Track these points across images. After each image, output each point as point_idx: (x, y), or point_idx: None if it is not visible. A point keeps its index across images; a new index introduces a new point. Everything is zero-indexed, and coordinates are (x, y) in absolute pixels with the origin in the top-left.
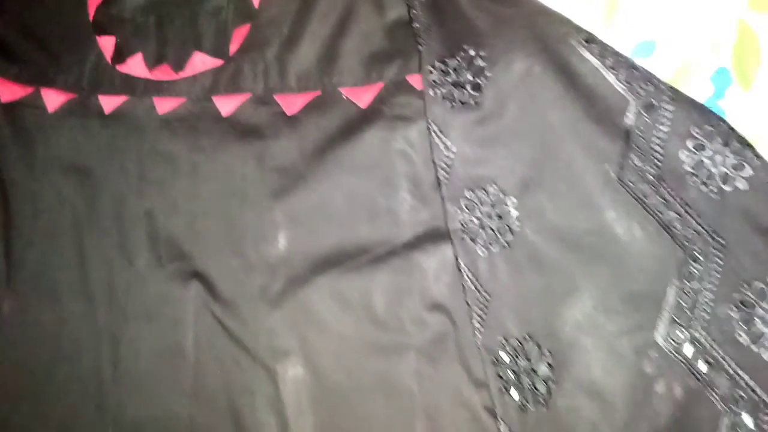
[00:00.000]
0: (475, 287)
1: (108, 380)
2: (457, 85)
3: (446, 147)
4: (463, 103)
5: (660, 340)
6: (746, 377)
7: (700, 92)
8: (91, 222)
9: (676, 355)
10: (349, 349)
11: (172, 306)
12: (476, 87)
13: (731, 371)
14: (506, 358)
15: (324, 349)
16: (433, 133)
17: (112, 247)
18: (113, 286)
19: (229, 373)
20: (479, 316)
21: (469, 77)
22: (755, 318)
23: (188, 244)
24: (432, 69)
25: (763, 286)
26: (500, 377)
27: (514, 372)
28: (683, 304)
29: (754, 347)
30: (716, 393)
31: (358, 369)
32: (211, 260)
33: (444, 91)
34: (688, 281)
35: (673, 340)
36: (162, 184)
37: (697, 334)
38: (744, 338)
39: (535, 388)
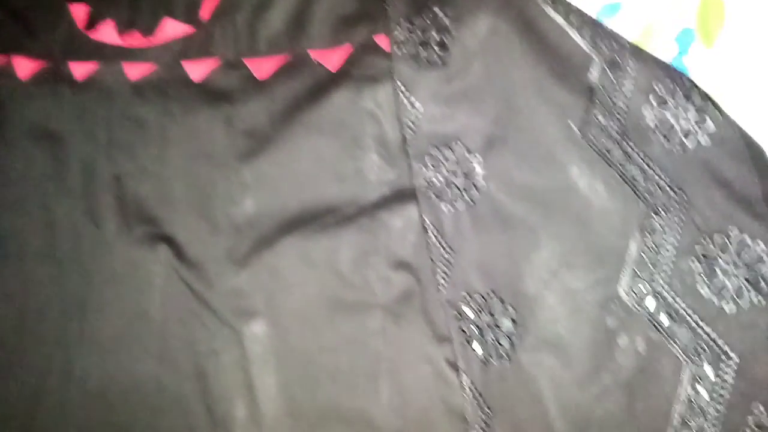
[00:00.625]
0: (440, 243)
1: (74, 344)
2: (423, 44)
3: (412, 105)
4: (429, 61)
5: (623, 294)
6: (708, 329)
7: (664, 52)
8: (59, 188)
9: (639, 308)
10: (314, 308)
11: (139, 269)
12: (442, 45)
13: (693, 323)
14: (470, 313)
15: (289, 309)
16: (399, 92)
17: (80, 212)
18: (81, 251)
19: (195, 335)
20: (443, 272)
21: (435, 36)
22: (716, 270)
23: (156, 208)
24: (398, 28)
25: (725, 239)
26: (463, 331)
27: (477, 327)
28: (645, 258)
29: (715, 299)
30: (678, 345)
31: (324, 328)
32: (179, 223)
33: (410, 49)
34: (651, 235)
35: (636, 294)
36: (131, 150)
37: (659, 288)
38: (705, 291)
39: (498, 342)
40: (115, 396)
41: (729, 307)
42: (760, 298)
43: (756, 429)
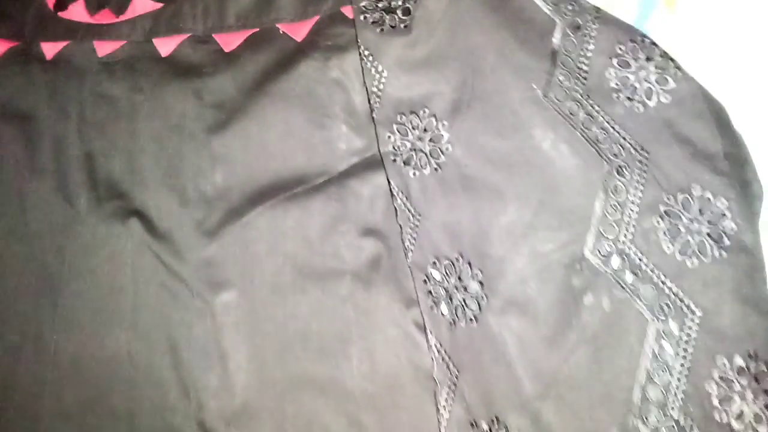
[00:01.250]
0: (407, 208)
1: (47, 321)
2: (387, 10)
3: (378, 72)
4: (393, 27)
5: (588, 254)
6: (672, 286)
7: (626, 15)
8: (31, 166)
9: (604, 267)
10: (284, 276)
11: (111, 244)
12: (406, 11)
13: (657, 280)
14: (437, 276)
15: (260, 278)
16: (364, 59)
17: (51, 189)
18: (52, 227)
19: (166, 307)
20: (411, 236)
21: (399, 2)
22: (680, 228)
23: (127, 183)
24: None
25: (687, 197)
26: (431, 294)
27: (445, 290)
28: (610, 217)
29: (678, 256)
30: (643, 302)
31: (294, 296)
32: (150, 197)
33: (375, 16)
34: (614, 195)
35: (601, 253)
36: (102, 126)
37: (624, 247)
38: (669, 248)
39: (466, 304)
40: (89, 370)
41: (692, 263)
42: (722, 252)
43: (720, 381)
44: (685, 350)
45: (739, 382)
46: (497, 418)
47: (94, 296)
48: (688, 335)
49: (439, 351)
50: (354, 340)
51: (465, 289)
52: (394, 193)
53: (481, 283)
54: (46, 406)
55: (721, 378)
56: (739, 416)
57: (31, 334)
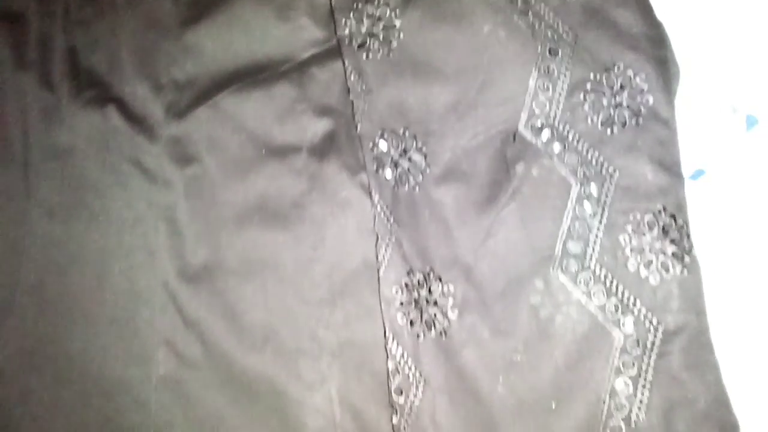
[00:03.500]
0: (359, 85)
1: (22, 195)
2: None
3: None
4: None
5: (522, 129)
6: (594, 152)
7: None
8: (16, 61)
9: (535, 140)
10: (247, 152)
11: (89, 126)
12: None
13: (581, 148)
14: (384, 147)
15: (224, 155)
16: None
17: (35, 80)
18: (35, 112)
19: (135, 180)
20: (361, 109)
21: None
22: (603, 102)
23: (106, 74)
24: None
25: (611, 74)
26: (376, 159)
27: (390, 157)
28: (542, 95)
29: (600, 126)
30: (568, 169)
31: (255, 170)
32: (126, 85)
33: None
34: (547, 74)
35: (533, 127)
36: (85, 24)
37: (553, 121)
38: (593, 120)
39: (409, 172)
40: (62, 233)
41: (612, 132)
42: (639, 121)
43: (632, 234)
44: (603, 209)
45: (649, 234)
46: (432, 270)
47: (71, 173)
48: (607, 195)
49: (382, 209)
50: (306, 206)
51: (409, 159)
52: (348, 73)
53: (424, 155)
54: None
55: (633, 231)
56: (648, 264)
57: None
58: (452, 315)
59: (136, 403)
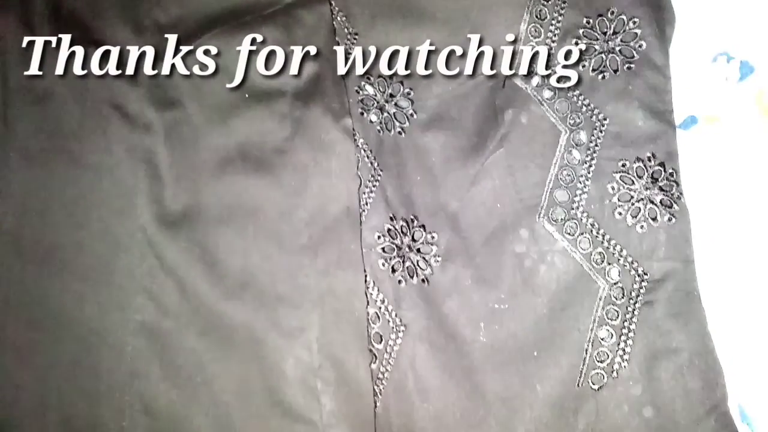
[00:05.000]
0: (346, 28)
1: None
2: None
3: None
4: None
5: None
6: (584, 98)
7: None
8: None
9: (526, 86)
10: (230, 96)
11: (68, 66)
12: None
13: (571, 94)
14: (370, 91)
15: (206, 98)
16: None
17: (14, 22)
18: (6, 56)
19: (114, 125)
20: (347, 51)
21: None
22: (595, 47)
23: (88, 18)
24: None
25: (604, 18)
26: (362, 103)
27: (376, 101)
28: (533, 40)
29: (591, 72)
30: (558, 115)
31: (238, 114)
32: (107, 28)
33: None
34: (539, 19)
35: (523, 76)
36: None
37: (545, 69)
38: (585, 65)
39: (395, 117)
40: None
41: (603, 77)
42: (631, 66)
43: (620, 182)
44: (592, 156)
45: (638, 182)
46: (416, 218)
47: (51, 117)
48: (596, 142)
49: (365, 151)
50: (289, 151)
51: (396, 104)
52: (335, 14)
53: (411, 100)
54: None
55: (622, 179)
56: (636, 212)
57: None
58: (435, 263)
59: (112, 349)
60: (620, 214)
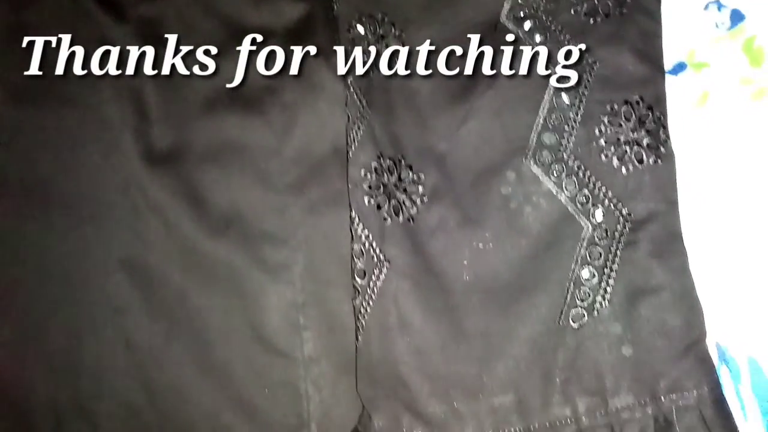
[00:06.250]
0: None
1: None
2: None
3: None
4: None
5: (504, 19)
6: (574, 42)
7: None
8: None
9: (517, 29)
10: (219, 36)
11: (54, 9)
12: None
13: (562, 38)
14: (361, 30)
15: (195, 38)
16: None
17: None
18: None
19: (102, 64)
20: None
21: None
22: None
23: None
24: None
25: None
26: (353, 41)
27: (367, 41)
28: None
29: (584, 17)
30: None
31: (226, 53)
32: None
33: None
34: None
35: (515, 18)
36: None
37: (536, 11)
38: (577, 10)
39: (381, 57)
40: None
41: (595, 21)
42: (623, 11)
43: (608, 125)
44: (581, 100)
45: (625, 125)
46: (403, 158)
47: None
48: (586, 86)
49: (353, 88)
50: (278, 90)
51: (386, 45)
52: None
53: (402, 42)
54: None
55: (609, 122)
56: (622, 155)
57: None
58: (421, 203)
59: (94, 284)
60: (606, 156)
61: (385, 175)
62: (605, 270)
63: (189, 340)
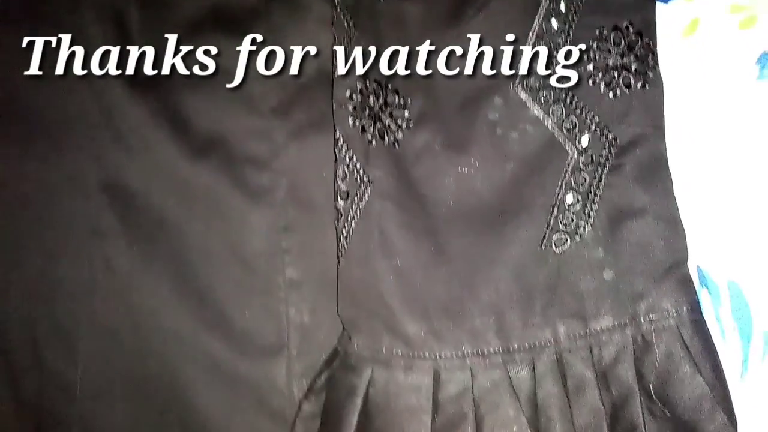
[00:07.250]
0: None
1: None
2: None
3: None
4: None
5: None
6: None
7: None
8: None
9: None
10: None
11: None
12: None
13: None
14: None
15: None
16: None
17: None
18: None
19: None
20: None
21: None
22: None
23: None
24: None
25: None
26: None
27: None
28: None
29: None
30: None
31: None
32: None
33: None
34: None
35: None
36: None
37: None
38: None
39: None
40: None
41: None
42: None
43: (596, 50)
44: (571, 25)
45: (614, 50)
46: (390, 81)
47: None
48: (575, 11)
49: (339, 9)
50: (263, 12)
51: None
52: None
53: None
54: None
55: (598, 47)
56: (610, 80)
57: None
58: (406, 127)
59: (73, 206)
60: (594, 81)
61: (371, 98)
62: (589, 195)
63: (169, 263)
